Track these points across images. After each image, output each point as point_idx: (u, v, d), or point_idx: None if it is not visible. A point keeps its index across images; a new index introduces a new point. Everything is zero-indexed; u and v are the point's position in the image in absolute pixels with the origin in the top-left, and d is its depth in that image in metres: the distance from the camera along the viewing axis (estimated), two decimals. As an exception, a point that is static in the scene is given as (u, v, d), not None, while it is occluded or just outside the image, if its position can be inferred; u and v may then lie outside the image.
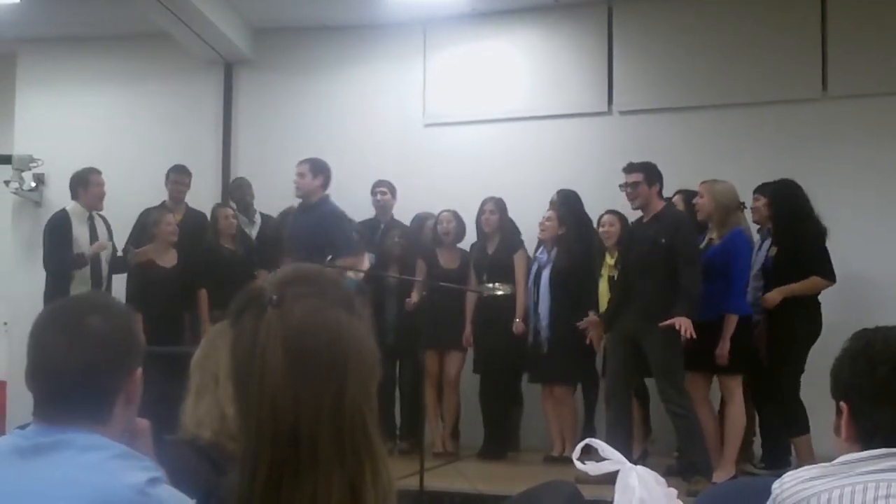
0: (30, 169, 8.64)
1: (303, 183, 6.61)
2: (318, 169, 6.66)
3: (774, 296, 5.89)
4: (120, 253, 7.12)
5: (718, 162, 6.91)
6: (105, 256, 6.91)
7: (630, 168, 5.80)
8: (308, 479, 1.25)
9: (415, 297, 6.90)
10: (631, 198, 5.79)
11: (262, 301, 1.29)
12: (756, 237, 6.47)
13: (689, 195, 6.30)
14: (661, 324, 5.38)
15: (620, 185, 5.84)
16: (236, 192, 7.92)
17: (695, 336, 5.39)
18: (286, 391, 1.25)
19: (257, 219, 7.82)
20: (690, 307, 5.45)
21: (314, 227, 6.47)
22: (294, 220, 6.82)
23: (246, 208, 7.77)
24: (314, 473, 1.25)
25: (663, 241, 5.56)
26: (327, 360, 1.27)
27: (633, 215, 6.52)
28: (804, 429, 5.77)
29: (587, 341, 6.45)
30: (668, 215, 5.72)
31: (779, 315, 5.90)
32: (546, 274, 6.61)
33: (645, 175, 5.70)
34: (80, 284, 6.61)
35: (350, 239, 6.63)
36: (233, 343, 1.31)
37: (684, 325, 5.36)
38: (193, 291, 7.10)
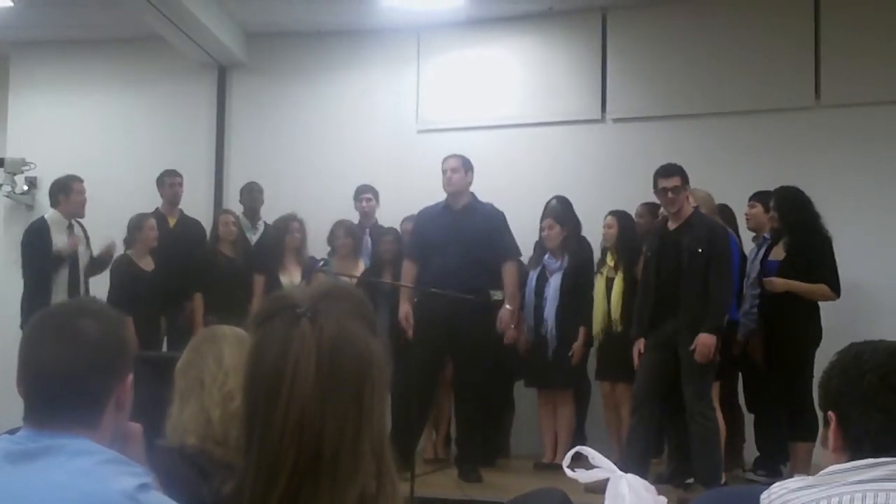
0: (22, 172, 8.62)
1: (456, 178, 6.26)
2: (469, 165, 6.34)
3: (779, 283, 5.89)
4: (95, 254, 7.02)
5: (711, 170, 6.91)
6: (81, 263, 6.84)
7: (668, 171, 5.55)
8: (327, 492, 1.26)
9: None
10: (671, 202, 5.54)
11: (295, 311, 1.30)
12: (751, 245, 6.49)
13: (653, 207, 6.35)
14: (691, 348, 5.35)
15: (657, 190, 5.59)
16: (246, 195, 7.89)
17: (720, 357, 5.44)
18: (315, 403, 1.26)
19: (260, 225, 7.79)
20: (718, 320, 5.42)
21: (481, 226, 6.26)
22: (442, 217, 6.32)
23: (253, 214, 7.78)
24: (333, 487, 1.26)
25: (700, 250, 5.42)
26: (355, 377, 1.29)
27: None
28: (811, 435, 5.73)
29: (570, 353, 6.46)
30: (700, 223, 5.55)
31: (780, 320, 5.91)
32: (556, 280, 6.58)
33: (682, 178, 5.53)
34: (58, 291, 6.55)
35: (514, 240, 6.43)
36: (256, 347, 1.32)
37: (705, 349, 5.32)
38: (177, 296, 7.08)
